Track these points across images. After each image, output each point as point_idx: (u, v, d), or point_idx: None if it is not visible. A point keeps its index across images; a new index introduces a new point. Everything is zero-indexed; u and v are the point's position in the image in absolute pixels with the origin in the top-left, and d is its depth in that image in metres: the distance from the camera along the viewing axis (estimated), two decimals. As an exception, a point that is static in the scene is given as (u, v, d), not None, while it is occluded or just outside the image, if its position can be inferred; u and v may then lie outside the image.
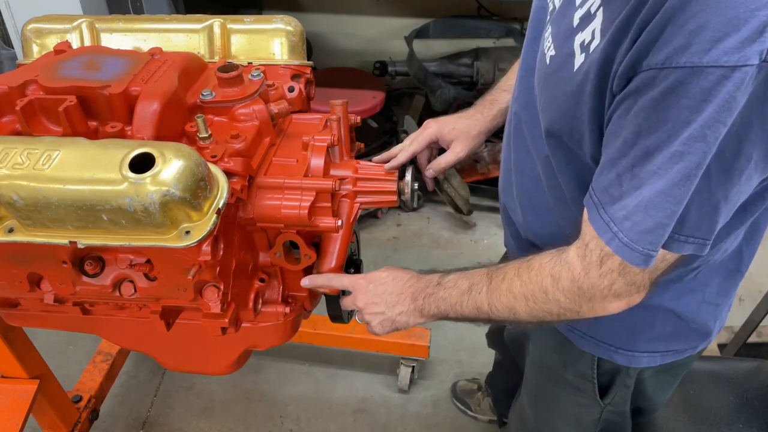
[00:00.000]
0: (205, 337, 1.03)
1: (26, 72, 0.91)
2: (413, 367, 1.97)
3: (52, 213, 0.72)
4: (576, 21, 0.73)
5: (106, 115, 0.89)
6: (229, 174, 0.83)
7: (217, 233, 0.81)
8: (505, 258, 1.37)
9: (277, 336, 1.07)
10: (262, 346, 1.10)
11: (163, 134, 0.87)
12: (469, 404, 1.95)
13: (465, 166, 2.50)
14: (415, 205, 1.07)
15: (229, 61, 1.10)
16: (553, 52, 0.79)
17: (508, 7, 2.87)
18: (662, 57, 0.59)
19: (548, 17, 0.84)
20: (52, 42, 1.14)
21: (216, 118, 0.95)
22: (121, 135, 0.86)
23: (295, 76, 1.11)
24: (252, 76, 0.97)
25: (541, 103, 0.82)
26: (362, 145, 1.17)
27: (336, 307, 1.09)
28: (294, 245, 0.98)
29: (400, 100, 3.13)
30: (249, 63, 1.12)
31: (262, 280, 1.01)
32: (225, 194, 0.77)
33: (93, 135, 0.88)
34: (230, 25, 1.15)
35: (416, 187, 1.06)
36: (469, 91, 2.66)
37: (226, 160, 0.85)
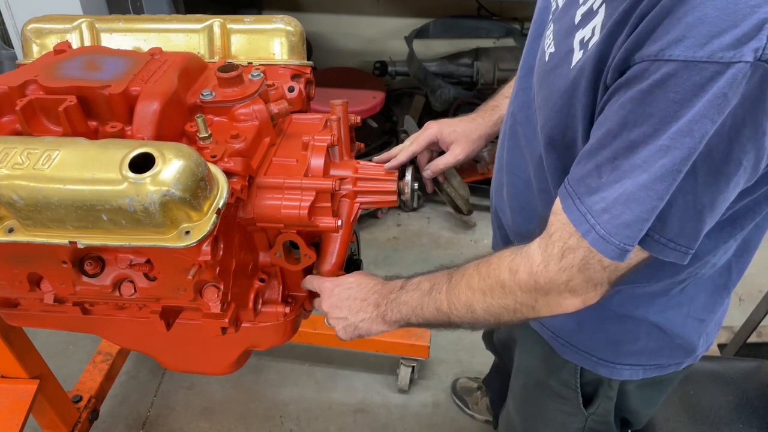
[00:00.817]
0: (205, 337, 1.03)
1: (26, 72, 0.91)
2: (413, 367, 1.97)
3: (52, 213, 0.72)
4: (578, 18, 0.72)
5: (106, 115, 0.89)
6: (229, 174, 0.83)
7: (217, 233, 0.81)
8: None
9: (277, 336, 1.07)
10: (262, 346, 1.10)
11: (163, 134, 0.87)
12: (467, 402, 1.95)
13: (465, 167, 2.50)
14: (415, 205, 1.07)
15: (229, 61, 1.09)
16: (552, 49, 0.78)
17: (508, 7, 2.87)
18: (656, 48, 0.58)
19: (551, 16, 0.84)
20: (52, 42, 1.14)
21: (216, 118, 0.95)
22: (121, 135, 0.86)
23: (295, 76, 1.11)
24: (252, 76, 0.97)
25: (537, 101, 0.81)
26: (362, 145, 1.17)
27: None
28: (294, 245, 0.98)
29: (400, 100, 3.13)
30: (249, 63, 1.12)
31: (262, 280, 1.01)
32: (225, 194, 0.77)
33: (93, 135, 0.88)
34: (230, 25, 1.15)
35: (416, 187, 1.06)
36: (469, 91, 2.66)
37: (226, 160, 0.85)
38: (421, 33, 2.83)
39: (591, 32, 0.68)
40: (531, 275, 0.75)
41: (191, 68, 0.98)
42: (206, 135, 0.87)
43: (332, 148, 1.00)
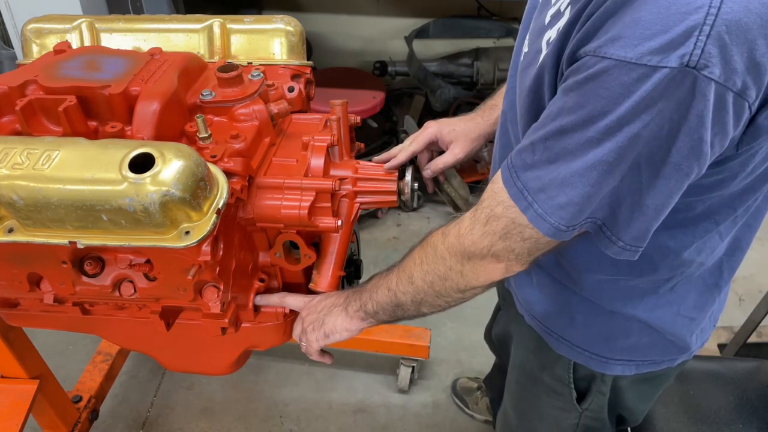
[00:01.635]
0: (205, 337, 1.03)
1: (26, 72, 0.91)
2: (413, 367, 1.97)
3: (51, 213, 0.72)
4: (548, 19, 0.74)
5: (106, 115, 0.89)
6: (229, 174, 0.83)
7: (217, 233, 0.81)
8: None
9: (277, 336, 1.07)
10: (262, 346, 1.11)
11: (162, 134, 0.87)
12: (467, 402, 1.95)
13: (465, 166, 2.50)
14: (415, 205, 1.07)
15: (229, 61, 1.10)
16: (526, 49, 0.80)
17: (508, 7, 2.87)
18: (595, 45, 0.60)
19: (534, 17, 0.85)
20: (52, 42, 1.14)
21: (216, 118, 0.95)
22: (120, 135, 0.86)
23: (295, 76, 1.11)
24: (252, 76, 0.97)
25: (516, 98, 0.84)
26: (362, 145, 1.17)
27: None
28: (294, 245, 0.98)
29: (400, 100, 3.13)
30: (249, 63, 1.12)
31: (262, 280, 1.01)
32: (225, 194, 0.77)
33: (93, 135, 0.88)
34: (230, 25, 1.15)
35: (416, 187, 1.06)
36: (469, 91, 2.66)
37: (225, 160, 0.85)
38: (421, 33, 2.83)
39: (556, 32, 0.70)
40: (458, 237, 0.79)
41: (191, 68, 0.98)
42: (206, 135, 0.87)
43: (332, 148, 1.00)
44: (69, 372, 1.87)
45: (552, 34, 0.71)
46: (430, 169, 1.13)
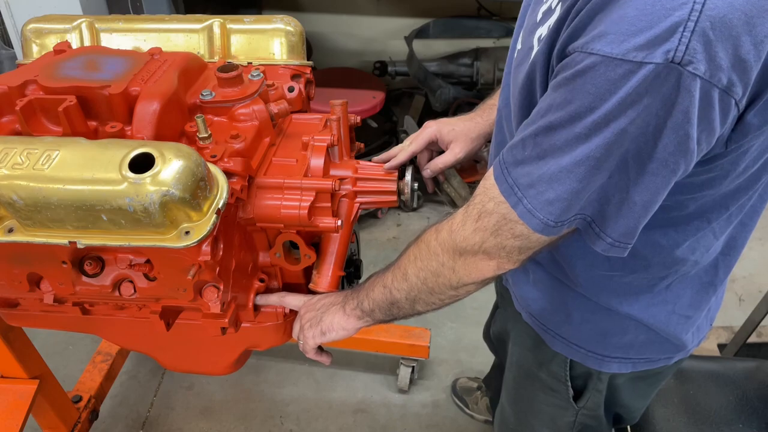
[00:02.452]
0: (205, 337, 1.03)
1: (26, 72, 0.91)
2: (413, 367, 1.97)
3: (51, 213, 0.72)
4: (539, 16, 0.74)
5: (105, 115, 0.89)
6: (228, 174, 0.83)
7: (216, 233, 0.81)
8: None
9: (277, 336, 1.07)
10: (262, 346, 1.11)
11: (162, 134, 0.87)
12: (466, 402, 1.95)
13: (465, 166, 2.50)
14: (415, 205, 1.07)
15: (229, 61, 1.10)
16: (519, 46, 0.81)
17: (508, 7, 2.87)
18: (583, 41, 0.60)
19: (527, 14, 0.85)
20: (51, 42, 1.14)
21: (216, 118, 0.95)
22: (120, 135, 0.86)
23: (294, 76, 1.11)
24: (252, 76, 0.97)
25: (510, 96, 0.84)
26: (362, 145, 1.17)
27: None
28: (294, 245, 0.98)
29: (400, 100, 3.13)
30: (249, 63, 1.12)
31: (262, 280, 1.01)
32: (225, 194, 0.77)
33: (93, 135, 0.88)
34: (230, 25, 1.15)
35: (416, 187, 1.06)
36: (469, 91, 2.66)
37: (225, 160, 0.85)
38: (421, 33, 2.83)
39: (547, 29, 0.70)
40: (450, 233, 0.79)
41: (191, 68, 0.98)
42: (206, 135, 0.87)
43: (332, 148, 1.00)
44: (69, 372, 1.87)
45: (543, 30, 0.71)
46: (429, 169, 1.13)
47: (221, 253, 0.84)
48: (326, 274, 1.01)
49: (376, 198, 1.05)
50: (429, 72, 2.65)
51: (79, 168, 0.71)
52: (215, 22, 1.14)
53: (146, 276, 0.86)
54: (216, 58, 1.14)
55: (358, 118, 1.11)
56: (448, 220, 0.81)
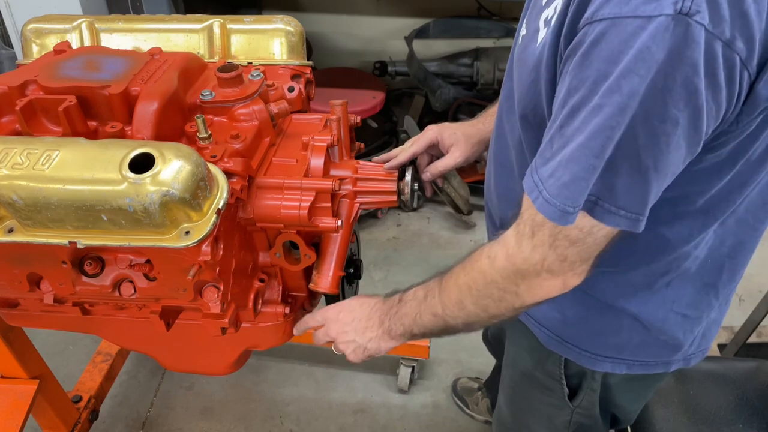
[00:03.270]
0: (205, 337, 1.03)
1: (26, 72, 0.91)
2: (413, 367, 1.97)
3: (51, 213, 0.72)
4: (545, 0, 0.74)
5: (105, 115, 0.89)
6: (228, 174, 0.83)
7: (216, 233, 0.81)
8: None
9: (277, 336, 1.07)
10: (261, 346, 1.11)
11: (162, 134, 0.87)
12: (467, 402, 1.95)
13: (465, 167, 2.50)
14: (415, 205, 1.07)
15: (229, 61, 1.09)
16: (524, 32, 0.80)
17: (508, 7, 2.87)
18: (592, 11, 0.60)
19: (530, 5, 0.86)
20: (52, 42, 1.14)
21: (216, 118, 0.95)
22: (120, 135, 0.86)
23: (295, 76, 1.11)
24: (252, 76, 0.97)
25: (514, 84, 0.83)
26: (362, 145, 1.17)
27: (336, 307, 1.09)
28: (294, 245, 0.98)
29: (400, 100, 3.13)
30: (249, 63, 1.12)
31: (262, 280, 1.01)
32: (225, 194, 0.77)
33: (93, 135, 0.88)
34: (230, 25, 1.15)
35: (416, 187, 1.06)
36: (469, 91, 2.66)
37: (225, 160, 0.85)
38: (421, 33, 2.83)
39: (554, 10, 0.70)
40: (508, 258, 0.76)
41: (191, 68, 0.98)
42: (206, 135, 0.87)
43: (332, 148, 1.00)
44: (69, 372, 1.87)
45: (549, 12, 0.71)
46: (429, 172, 1.14)
47: (221, 253, 0.84)
48: (326, 274, 1.01)
49: (376, 198, 1.05)
50: (429, 72, 2.65)
51: (79, 168, 0.71)
52: (215, 22, 1.14)
53: (146, 276, 0.86)
54: (216, 58, 1.14)
55: (358, 118, 1.11)
56: (501, 244, 0.77)
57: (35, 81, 0.88)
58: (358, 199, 1.04)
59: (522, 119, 0.81)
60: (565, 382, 1.03)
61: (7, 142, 0.75)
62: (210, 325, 0.91)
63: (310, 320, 1.04)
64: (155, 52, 0.98)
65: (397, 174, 1.05)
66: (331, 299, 1.07)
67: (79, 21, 1.14)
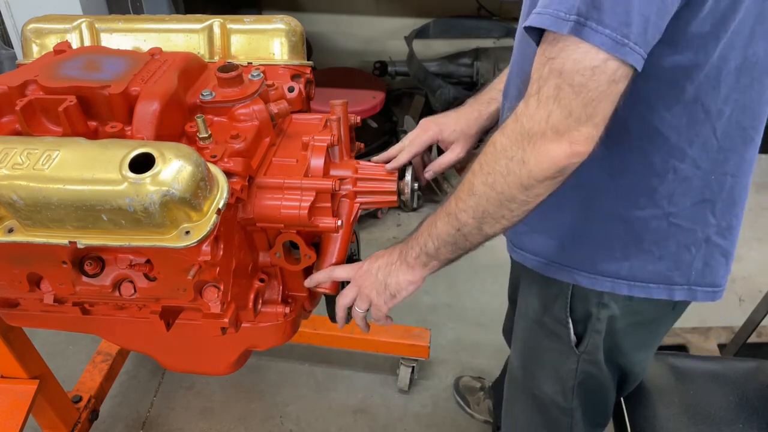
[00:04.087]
0: (205, 337, 1.03)
1: (26, 72, 0.91)
2: (413, 367, 1.97)
3: (51, 213, 0.72)
4: None
5: (106, 115, 0.89)
6: (229, 174, 0.83)
7: (217, 233, 0.81)
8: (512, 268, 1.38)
9: (277, 336, 1.07)
10: (262, 346, 1.11)
11: (162, 134, 0.87)
12: (468, 401, 1.95)
13: (465, 166, 2.51)
14: (415, 205, 1.07)
15: (229, 61, 1.10)
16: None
17: (508, 7, 2.87)
18: None
19: None
20: (52, 42, 1.14)
21: (216, 118, 0.95)
22: (120, 135, 0.86)
23: (295, 76, 1.11)
24: (252, 76, 0.97)
25: (522, 51, 0.84)
26: (362, 145, 1.18)
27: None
28: (294, 245, 0.98)
29: (400, 100, 3.13)
30: (249, 63, 1.12)
31: (262, 280, 1.01)
32: (225, 194, 0.77)
33: (93, 135, 0.88)
34: (230, 25, 1.15)
35: (416, 187, 1.06)
36: (469, 91, 2.66)
37: (226, 160, 0.85)
38: (421, 33, 2.83)
39: None
40: (515, 120, 0.76)
41: (191, 68, 0.98)
42: (206, 135, 0.87)
43: (332, 148, 1.00)
44: (69, 372, 1.87)
45: None
46: (431, 170, 1.14)
47: (221, 253, 0.84)
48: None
49: (376, 198, 1.05)
50: (429, 72, 2.65)
51: (80, 168, 0.71)
52: (215, 22, 1.14)
53: (146, 276, 0.86)
54: (216, 58, 1.14)
55: (358, 118, 1.11)
56: (512, 114, 0.78)
57: (35, 81, 0.88)
58: (358, 199, 1.04)
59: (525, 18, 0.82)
60: (571, 326, 1.04)
61: (7, 142, 0.75)
62: (210, 325, 0.91)
63: (337, 272, 1.00)
64: (155, 52, 0.98)
65: (397, 174, 1.05)
66: (331, 299, 1.07)
67: (79, 21, 1.14)
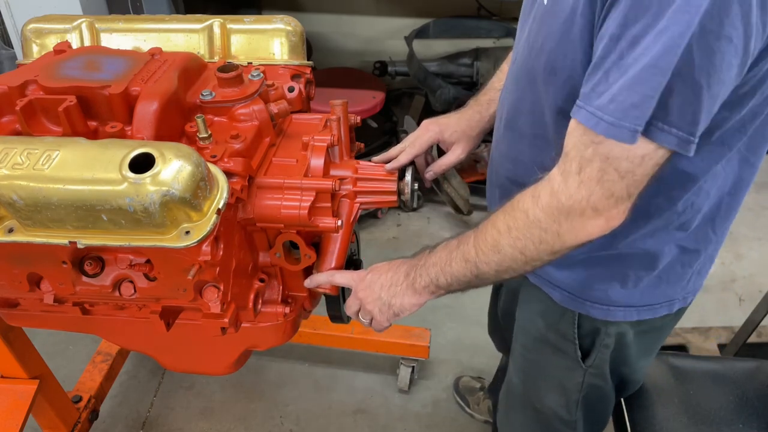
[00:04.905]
0: (205, 337, 1.03)
1: (26, 72, 0.91)
2: (413, 367, 1.97)
3: (52, 213, 0.72)
4: None
5: (106, 115, 0.89)
6: (229, 174, 0.83)
7: (217, 233, 0.81)
8: None
9: (277, 336, 1.07)
10: (262, 346, 1.11)
11: (162, 134, 0.87)
12: (468, 401, 1.95)
13: (465, 166, 2.50)
14: (415, 205, 1.07)
15: (229, 61, 1.10)
16: None
17: (508, 7, 2.87)
18: None
19: None
20: (52, 42, 1.14)
21: (216, 118, 0.95)
22: (120, 135, 0.86)
23: (295, 76, 1.11)
24: (252, 76, 0.97)
25: (539, 44, 0.83)
26: (362, 145, 1.18)
27: (336, 307, 1.09)
28: (294, 245, 0.98)
29: (400, 100, 3.13)
30: (249, 63, 1.12)
31: (262, 280, 1.01)
32: (225, 194, 0.77)
33: (93, 135, 0.88)
34: (230, 25, 1.15)
35: (416, 187, 1.06)
36: (469, 91, 2.66)
37: (225, 160, 0.85)
38: (421, 33, 2.83)
39: None
40: (553, 195, 0.76)
41: (191, 68, 0.98)
42: (206, 135, 0.87)
43: (332, 148, 1.00)
44: (69, 372, 1.87)
45: None
46: (432, 171, 1.14)
47: (221, 253, 0.84)
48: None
49: (376, 198, 1.05)
50: (429, 72, 2.65)
51: (80, 168, 0.71)
52: (215, 22, 1.14)
53: (146, 276, 0.86)
54: (216, 58, 1.14)
55: (358, 118, 1.11)
56: (546, 184, 0.77)
57: (35, 81, 0.88)
58: (358, 199, 1.04)
59: (549, 69, 0.81)
60: (578, 342, 1.03)
61: (7, 142, 0.75)
62: (210, 325, 0.91)
63: (338, 277, 1.00)
64: (155, 52, 0.98)
65: (397, 174, 1.05)
66: (330, 299, 1.07)
67: (79, 21, 1.14)
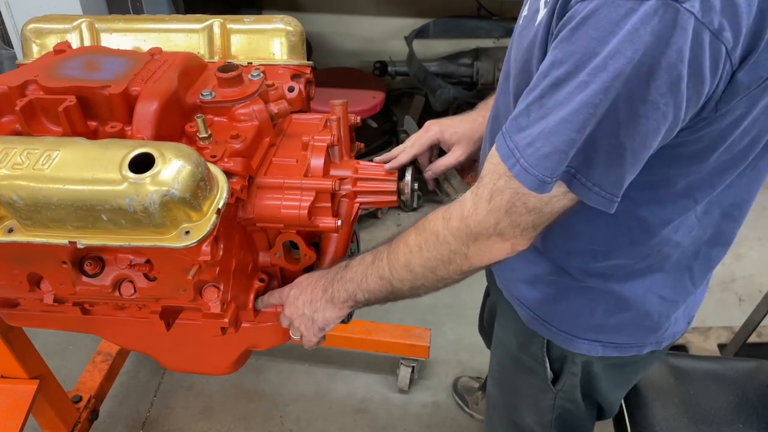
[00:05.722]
0: (205, 337, 1.03)
1: (26, 72, 0.91)
2: (413, 367, 1.97)
3: (51, 213, 0.72)
4: None
5: (105, 115, 0.89)
6: (228, 174, 0.83)
7: (216, 233, 0.81)
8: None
9: (277, 336, 1.07)
10: (261, 346, 1.11)
11: (162, 134, 0.87)
12: (467, 401, 1.95)
13: (465, 166, 2.50)
14: (415, 205, 1.07)
15: (229, 61, 1.10)
16: (525, 12, 0.81)
17: (508, 7, 2.87)
18: None
19: None
20: (52, 42, 1.14)
21: (216, 118, 0.95)
22: (120, 135, 0.86)
23: (295, 76, 1.11)
24: (252, 76, 0.97)
25: (510, 64, 0.84)
26: (362, 145, 1.18)
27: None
28: (294, 245, 0.98)
29: (400, 100, 3.13)
30: (249, 63, 1.12)
31: (262, 280, 1.01)
32: (225, 194, 0.77)
33: (93, 135, 0.88)
34: (230, 25, 1.15)
35: (416, 187, 1.06)
36: (469, 91, 2.66)
37: (225, 160, 0.85)
38: (421, 33, 2.83)
39: None
40: (462, 220, 0.77)
41: (191, 68, 0.98)
42: (206, 135, 0.87)
43: (332, 148, 1.00)
44: (69, 372, 1.87)
45: None
46: (431, 171, 1.14)
47: (221, 253, 0.84)
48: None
49: (376, 198, 1.05)
50: (429, 72, 2.65)
51: (79, 168, 0.71)
52: (215, 22, 1.14)
53: (146, 276, 0.86)
54: (216, 58, 1.14)
55: (358, 118, 1.11)
56: (457, 206, 0.79)
57: (35, 81, 0.88)
58: (358, 199, 1.04)
59: (515, 98, 0.81)
60: (548, 365, 1.04)
61: (7, 142, 0.75)
62: (210, 325, 0.91)
63: (270, 298, 1.02)
64: (155, 52, 0.98)
65: (397, 174, 1.05)
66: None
67: (79, 21, 1.14)
